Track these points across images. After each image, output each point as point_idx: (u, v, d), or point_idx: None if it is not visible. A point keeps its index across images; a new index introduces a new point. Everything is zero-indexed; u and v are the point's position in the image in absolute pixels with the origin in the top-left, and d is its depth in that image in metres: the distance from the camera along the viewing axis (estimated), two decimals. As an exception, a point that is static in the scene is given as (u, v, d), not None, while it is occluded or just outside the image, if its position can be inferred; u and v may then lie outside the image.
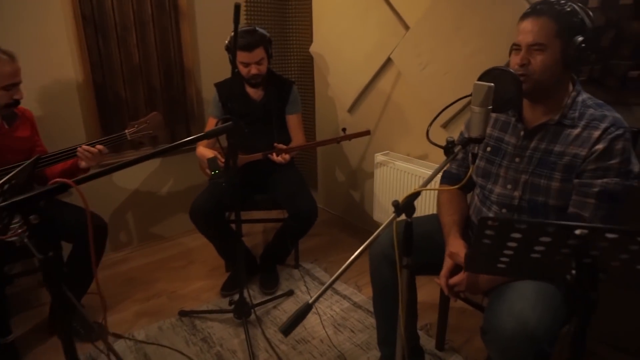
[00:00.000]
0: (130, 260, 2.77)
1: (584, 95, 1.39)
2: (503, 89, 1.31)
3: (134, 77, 2.56)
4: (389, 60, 2.52)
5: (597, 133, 1.29)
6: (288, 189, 2.32)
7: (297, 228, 2.32)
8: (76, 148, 1.91)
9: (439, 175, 1.80)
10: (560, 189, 1.36)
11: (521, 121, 1.46)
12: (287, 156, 2.24)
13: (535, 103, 1.42)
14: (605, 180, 1.28)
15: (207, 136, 1.29)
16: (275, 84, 2.44)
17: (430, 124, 1.36)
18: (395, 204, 1.14)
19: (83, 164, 1.93)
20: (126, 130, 2.05)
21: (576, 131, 1.34)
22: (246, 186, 2.40)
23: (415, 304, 1.76)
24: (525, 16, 1.34)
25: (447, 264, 1.49)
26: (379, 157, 2.58)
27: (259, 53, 2.25)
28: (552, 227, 0.87)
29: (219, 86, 2.45)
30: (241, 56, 2.25)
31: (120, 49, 2.47)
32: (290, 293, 2.35)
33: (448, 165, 1.80)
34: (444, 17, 2.15)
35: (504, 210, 1.49)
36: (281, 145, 2.26)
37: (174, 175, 2.92)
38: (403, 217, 1.14)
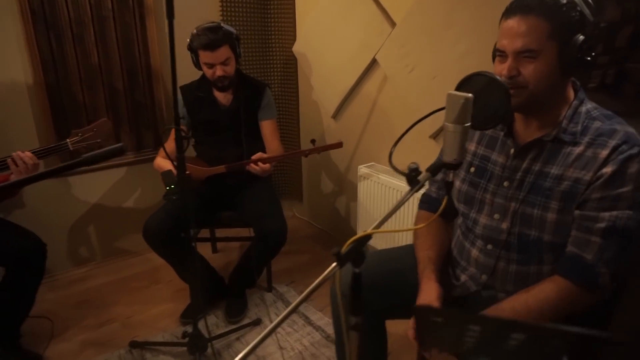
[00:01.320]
0: (90, 279, 2.53)
1: (589, 105, 1.11)
2: (487, 101, 1.03)
3: (92, 78, 2.32)
4: (374, 62, 2.24)
5: (604, 152, 1.02)
6: (256, 207, 2.06)
7: (263, 250, 2.06)
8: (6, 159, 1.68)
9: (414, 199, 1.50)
10: (557, 221, 1.08)
11: (511, 136, 1.18)
12: (267, 166, 1.97)
13: (528, 115, 1.14)
14: (614, 213, 1.01)
15: (85, 162, 1.03)
16: (247, 87, 2.18)
17: (395, 144, 1.09)
18: (337, 253, 0.88)
19: (13, 176, 1.69)
20: (68, 140, 1.81)
21: (578, 149, 1.06)
22: (212, 201, 2.15)
23: (385, 354, 1.47)
24: (508, 14, 1.06)
25: None
26: (362, 170, 2.30)
27: (224, 52, 1.99)
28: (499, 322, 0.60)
29: (183, 89, 2.20)
30: (204, 56, 2.00)
31: (76, 48, 2.24)
32: (257, 322, 2.09)
33: (427, 187, 1.53)
34: (433, 12, 1.87)
35: (489, 247, 1.21)
36: (260, 154, 1.99)
37: (142, 185, 2.68)
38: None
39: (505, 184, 1.17)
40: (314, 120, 2.81)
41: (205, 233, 2.58)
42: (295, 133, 2.96)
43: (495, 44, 1.14)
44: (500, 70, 1.08)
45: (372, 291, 1.31)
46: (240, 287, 2.22)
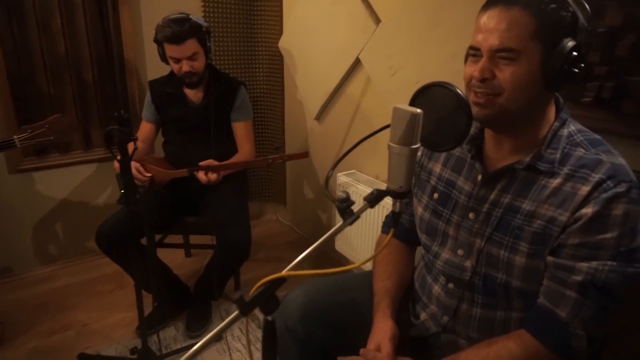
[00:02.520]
0: (53, 279, 2.40)
1: (572, 127, 0.92)
2: (443, 118, 0.86)
3: (59, 69, 2.19)
4: (358, 62, 2.06)
5: (585, 188, 0.83)
6: (219, 214, 1.90)
7: (224, 262, 1.90)
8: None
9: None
10: (526, 267, 0.90)
11: (480, 159, 1.00)
12: (214, 176, 1.82)
13: (500, 134, 0.96)
14: (594, 264, 0.83)
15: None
16: (219, 84, 2.03)
17: (333, 167, 0.93)
18: (239, 299, 0.72)
19: None
20: (15, 136, 1.67)
21: (555, 182, 0.88)
22: (176, 206, 2.00)
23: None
24: (488, 5, 0.87)
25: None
26: (342, 178, 2.13)
27: (191, 46, 1.84)
28: None
29: (152, 85, 2.06)
30: (169, 50, 1.85)
31: (41, 37, 2.10)
32: (218, 338, 1.94)
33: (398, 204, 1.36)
34: (419, 10, 1.69)
35: (450, 285, 1.04)
36: (210, 161, 1.84)
37: (113, 183, 2.55)
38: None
39: (471, 215, 1.00)
40: (298, 121, 2.65)
41: (178, 238, 2.43)
42: (280, 134, 2.80)
43: (468, 50, 0.96)
44: (471, 72, 0.89)
45: (322, 327, 1.15)
46: (203, 299, 2.08)
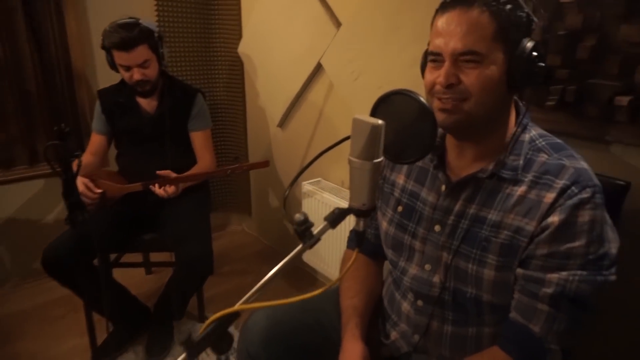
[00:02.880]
0: (0, 305, 2.22)
1: (533, 132, 0.89)
2: (407, 128, 0.81)
3: (-3, 78, 2.02)
4: (319, 67, 2.00)
5: (550, 196, 0.81)
6: (178, 229, 1.79)
7: (184, 280, 1.79)
8: None
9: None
10: (495, 280, 0.86)
11: (442, 169, 0.95)
12: (171, 189, 1.72)
13: (463, 142, 0.92)
14: (563, 274, 0.80)
15: None
16: (174, 92, 1.92)
17: (291, 185, 0.86)
18: (186, 341, 0.64)
19: None
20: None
21: (520, 189, 0.84)
22: (131, 222, 1.88)
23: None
24: (445, 7, 0.83)
25: None
26: (306, 187, 2.07)
27: (142, 53, 1.73)
28: None
29: (102, 94, 1.93)
30: (118, 57, 1.73)
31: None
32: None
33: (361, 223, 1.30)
34: (379, 12, 1.65)
35: (419, 303, 0.99)
36: (168, 172, 1.73)
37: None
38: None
39: (437, 228, 0.95)
40: (262, 128, 2.56)
41: (137, 256, 2.29)
42: (243, 142, 2.71)
43: (425, 51, 0.92)
44: (433, 78, 0.85)
45: (288, 352, 1.07)
46: (164, 321, 1.96)
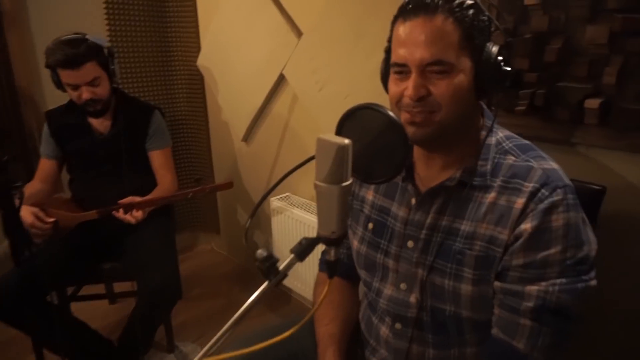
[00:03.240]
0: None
1: (500, 134, 0.85)
2: (377, 145, 0.74)
3: None
4: (282, 78, 1.93)
5: (520, 201, 0.77)
6: (140, 256, 1.67)
7: (148, 311, 1.66)
8: None
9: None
10: (474, 295, 0.82)
11: (411, 180, 0.90)
12: (138, 214, 1.61)
13: (431, 151, 0.87)
14: (543, 285, 0.75)
15: None
16: (129, 111, 1.81)
17: (252, 215, 0.78)
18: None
19: None
20: None
21: (490, 196, 0.80)
22: (89, 252, 1.74)
23: None
24: (407, 15, 0.78)
25: None
26: (275, 203, 1.98)
27: (90, 70, 1.61)
28: None
29: (50, 115, 1.80)
30: (65, 76, 1.61)
31: None
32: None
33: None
34: (342, 20, 1.59)
35: (397, 326, 0.93)
36: (131, 198, 1.62)
37: None
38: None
39: (410, 244, 0.90)
40: (226, 144, 2.46)
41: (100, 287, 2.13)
42: (207, 159, 2.60)
43: (384, 60, 0.87)
44: (399, 91, 0.80)
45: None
46: (128, 355, 1.82)
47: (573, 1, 1.04)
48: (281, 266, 0.65)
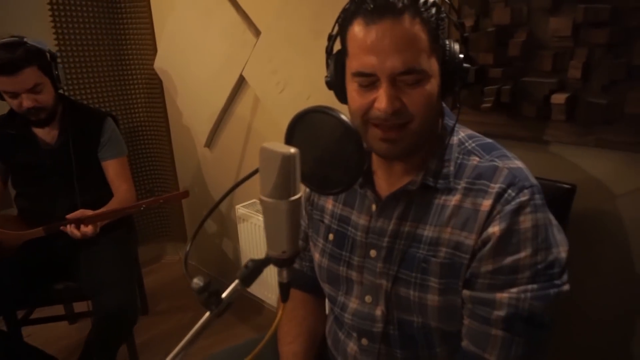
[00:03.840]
0: None
1: (462, 134, 0.81)
2: (330, 153, 0.67)
3: None
4: (242, 79, 1.85)
5: (487, 203, 0.72)
6: (95, 275, 1.55)
7: (104, 334, 1.54)
8: None
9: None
10: (441, 305, 0.77)
11: (370, 186, 0.84)
12: (88, 228, 1.49)
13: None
14: (514, 292, 0.71)
15: None
16: (79, 118, 1.69)
17: (193, 238, 0.70)
18: None
19: None
20: None
21: (454, 199, 0.76)
22: (39, 272, 1.62)
23: None
24: (370, 17, 0.69)
25: None
26: (241, 210, 1.89)
27: (30, 77, 1.49)
28: None
29: (-9, 125, 1.66)
30: (1, 83, 1.48)
31: None
32: None
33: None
34: (298, 18, 1.52)
35: (364, 341, 0.87)
36: (81, 212, 1.50)
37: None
38: None
39: (372, 253, 0.84)
40: (188, 150, 2.36)
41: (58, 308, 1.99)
42: (169, 167, 2.48)
43: (335, 65, 0.79)
44: (366, 103, 0.73)
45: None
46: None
47: (534, -8, 1.00)
48: (224, 294, 0.58)
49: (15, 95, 1.50)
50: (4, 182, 1.72)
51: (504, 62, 1.09)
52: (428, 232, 0.77)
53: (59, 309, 2.00)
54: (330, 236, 0.90)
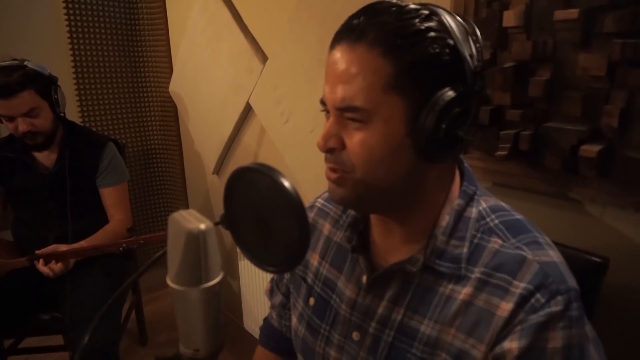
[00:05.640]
0: None
1: (483, 204, 0.62)
2: (269, 222, 0.53)
3: None
4: (249, 108, 1.75)
5: (506, 306, 0.55)
6: (77, 309, 1.47)
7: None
8: None
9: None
10: None
11: (364, 252, 0.69)
12: (57, 266, 1.41)
13: (387, 218, 0.66)
14: None
15: None
16: (77, 143, 1.64)
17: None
18: None
19: None
20: None
21: (464, 291, 0.58)
22: (24, 301, 1.55)
23: None
24: (334, 40, 0.59)
25: None
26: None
27: (26, 101, 1.45)
28: None
29: (-9, 148, 1.63)
30: (-3, 106, 1.45)
31: None
32: None
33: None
34: (303, 46, 1.41)
35: None
36: (53, 247, 1.42)
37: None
38: None
39: (355, 336, 0.68)
40: (199, 175, 2.28)
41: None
42: (181, 193, 2.41)
43: None
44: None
45: None
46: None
47: (561, 23, 0.83)
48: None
49: (11, 119, 1.47)
50: (3, 205, 1.69)
51: (523, 103, 0.92)
52: (426, 328, 0.60)
53: (57, 339, 1.94)
54: (311, 300, 0.75)
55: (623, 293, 0.84)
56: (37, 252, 1.40)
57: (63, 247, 1.42)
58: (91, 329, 0.55)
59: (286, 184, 0.49)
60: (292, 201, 0.48)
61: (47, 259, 1.39)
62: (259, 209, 0.53)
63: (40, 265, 1.39)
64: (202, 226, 0.43)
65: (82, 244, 1.50)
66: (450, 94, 0.53)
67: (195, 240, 0.43)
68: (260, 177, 0.52)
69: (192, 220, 0.45)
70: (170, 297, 0.47)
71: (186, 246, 0.43)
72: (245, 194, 0.54)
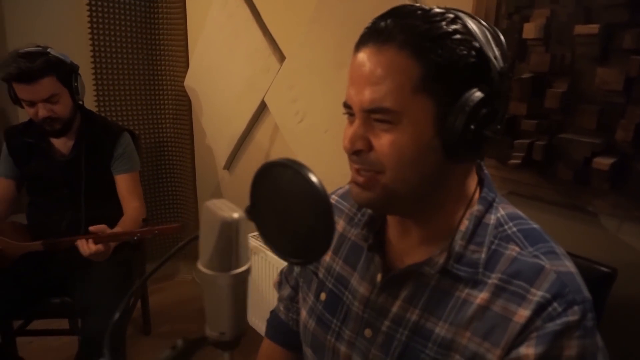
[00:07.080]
0: None
1: (502, 211, 0.64)
2: (294, 217, 0.55)
3: None
4: (264, 105, 1.78)
5: (523, 313, 0.56)
6: (87, 295, 1.49)
7: (85, 357, 1.47)
8: None
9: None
10: None
11: (380, 251, 0.70)
12: (94, 247, 1.41)
13: (405, 219, 0.67)
14: None
15: None
16: (94, 131, 1.66)
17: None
18: None
19: None
20: None
21: (480, 296, 0.59)
22: (35, 285, 1.57)
23: None
24: (360, 42, 0.60)
25: None
26: (253, 242, 1.80)
27: (48, 86, 1.48)
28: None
29: (9, 133, 1.66)
30: (20, 90, 1.48)
31: None
32: None
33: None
34: (322, 47, 1.43)
35: None
36: (102, 227, 1.42)
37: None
38: None
39: (367, 333, 0.69)
40: (210, 169, 2.31)
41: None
42: (191, 186, 2.44)
43: None
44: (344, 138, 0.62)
45: None
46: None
47: (581, 37, 0.85)
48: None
49: (32, 103, 1.50)
50: (18, 188, 1.72)
51: (539, 114, 0.94)
52: (440, 329, 0.61)
53: (63, 322, 1.96)
54: (323, 295, 0.77)
55: (629, 303, 0.86)
56: (90, 228, 1.39)
57: (108, 231, 1.43)
58: (120, 310, 0.57)
59: (314, 179, 0.51)
60: (319, 197, 0.50)
61: (94, 239, 1.38)
62: (285, 202, 0.55)
63: (82, 245, 1.39)
64: (236, 215, 0.46)
65: (118, 229, 1.52)
66: (478, 94, 0.55)
67: (229, 228, 0.45)
68: (288, 172, 0.55)
69: (225, 209, 0.47)
70: (200, 281, 0.49)
71: (220, 233, 0.45)
72: (272, 187, 0.56)
